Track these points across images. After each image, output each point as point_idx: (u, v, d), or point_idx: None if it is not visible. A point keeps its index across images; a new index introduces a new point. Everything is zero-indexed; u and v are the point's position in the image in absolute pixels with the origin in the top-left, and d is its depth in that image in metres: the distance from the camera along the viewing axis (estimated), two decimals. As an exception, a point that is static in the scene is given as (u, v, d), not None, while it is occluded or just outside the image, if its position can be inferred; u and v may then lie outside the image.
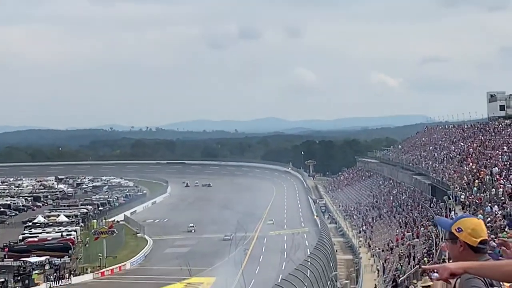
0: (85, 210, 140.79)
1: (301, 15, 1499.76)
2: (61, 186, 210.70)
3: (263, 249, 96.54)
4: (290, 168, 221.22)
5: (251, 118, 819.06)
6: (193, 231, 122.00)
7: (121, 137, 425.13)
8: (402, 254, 63.72)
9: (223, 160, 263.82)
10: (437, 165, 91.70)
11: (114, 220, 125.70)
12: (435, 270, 5.38)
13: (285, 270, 68.64)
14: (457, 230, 5.36)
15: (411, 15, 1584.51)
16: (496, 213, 52.29)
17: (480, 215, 48.99)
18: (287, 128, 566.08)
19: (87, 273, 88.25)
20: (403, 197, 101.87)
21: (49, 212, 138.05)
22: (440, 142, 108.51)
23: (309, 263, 52.12)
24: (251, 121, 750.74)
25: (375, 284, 58.48)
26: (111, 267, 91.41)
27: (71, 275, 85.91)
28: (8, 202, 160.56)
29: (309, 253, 65.63)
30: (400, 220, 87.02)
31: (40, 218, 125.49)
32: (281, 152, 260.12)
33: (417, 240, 64.26)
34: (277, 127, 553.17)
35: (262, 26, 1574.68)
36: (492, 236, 34.06)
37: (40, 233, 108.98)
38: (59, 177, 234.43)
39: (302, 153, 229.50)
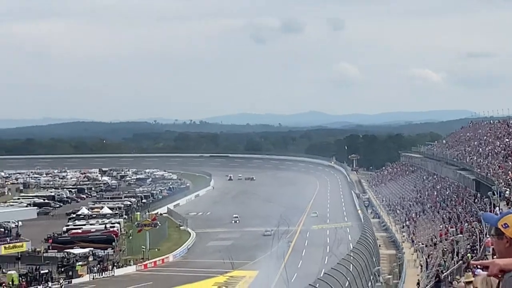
0: (129, 203, 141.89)
1: (344, 9, 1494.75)
2: (105, 178, 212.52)
3: (305, 243, 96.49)
4: (333, 162, 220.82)
5: (294, 112, 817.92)
6: (237, 221, 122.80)
7: (165, 130, 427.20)
8: (445, 249, 63.29)
9: (267, 154, 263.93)
10: (481, 161, 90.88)
11: (158, 212, 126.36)
12: (480, 266, 5.29)
13: (327, 264, 68.55)
14: (504, 226, 5.24)
15: (456, 9, 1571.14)
16: (542, 209, 51.64)
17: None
18: (331, 122, 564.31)
19: (130, 265, 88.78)
20: (447, 192, 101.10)
21: (93, 204, 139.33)
22: (485, 137, 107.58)
23: (352, 258, 51.97)
24: (295, 115, 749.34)
25: (418, 280, 58.09)
26: (154, 260, 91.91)
27: (114, 267, 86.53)
28: (53, 194, 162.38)
29: (352, 247, 65.41)
30: (444, 215, 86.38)
31: (84, 210, 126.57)
32: (325, 146, 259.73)
33: (461, 235, 63.67)
34: (321, 121, 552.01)
35: (305, 19, 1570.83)
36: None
37: (84, 225, 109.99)
38: (103, 169, 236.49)
39: (346, 147, 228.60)
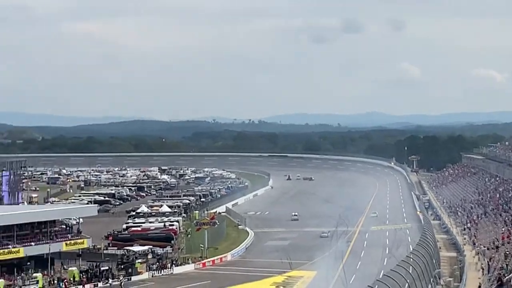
0: (188, 201, 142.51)
1: (405, 8, 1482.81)
2: (164, 176, 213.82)
3: (364, 244, 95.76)
4: (393, 163, 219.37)
5: (354, 112, 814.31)
6: (297, 219, 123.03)
7: (224, 129, 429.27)
8: (508, 252, 62.16)
9: (325, 154, 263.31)
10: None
11: (216, 211, 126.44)
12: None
13: (386, 266, 67.90)
14: None
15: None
16: None
17: None
18: (391, 122, 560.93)
19: (188, 263, 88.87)
20: (510, 195, 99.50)
21: (152, 202, 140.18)
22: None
23: (411, 260, 51.21)
24: (354, 115, 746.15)
25: (480, 283, 57.10)
26: (212, 258, 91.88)
27: (173, 265, 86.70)
28: (113, 192, 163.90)
29: (411, 249, 64.62)
30: (507, 218, 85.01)
31: (143, 208, 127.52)
32: (384, 147, 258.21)
33: (524, 239, 62.57)
34: (381, 122, 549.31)
35: (366, 19, 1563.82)
36: None
37: (143, 222, 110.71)
38: (162, 167, 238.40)
39: (406, 148, 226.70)
